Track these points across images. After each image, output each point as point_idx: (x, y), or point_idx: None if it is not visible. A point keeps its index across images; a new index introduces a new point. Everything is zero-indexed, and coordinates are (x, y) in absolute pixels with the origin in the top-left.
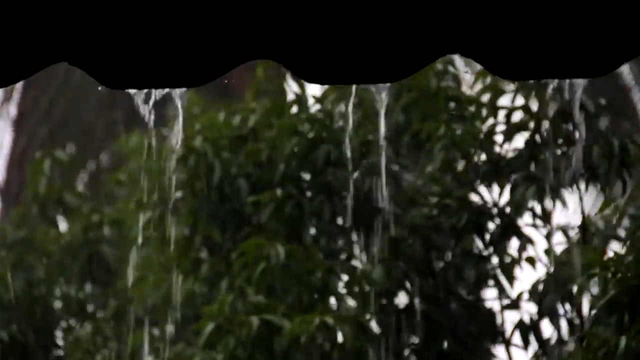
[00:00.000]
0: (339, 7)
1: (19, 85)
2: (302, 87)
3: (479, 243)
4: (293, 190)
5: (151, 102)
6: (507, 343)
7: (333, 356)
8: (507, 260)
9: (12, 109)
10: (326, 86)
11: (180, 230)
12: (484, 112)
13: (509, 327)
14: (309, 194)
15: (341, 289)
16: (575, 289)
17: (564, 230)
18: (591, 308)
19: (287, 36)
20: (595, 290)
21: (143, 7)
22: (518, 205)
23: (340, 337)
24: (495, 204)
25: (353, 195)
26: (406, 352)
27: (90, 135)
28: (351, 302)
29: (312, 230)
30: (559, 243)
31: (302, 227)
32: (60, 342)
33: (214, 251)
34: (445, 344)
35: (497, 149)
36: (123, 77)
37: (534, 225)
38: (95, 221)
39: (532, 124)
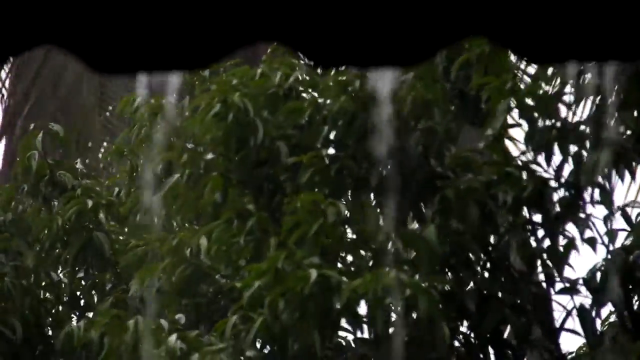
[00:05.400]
0: None
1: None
2: None
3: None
4: (338, 153)
5: None
6: (560, 329)
7: (408, 320)
8: (565, 239)
9: None
10: None
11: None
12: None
13: (562, 312)
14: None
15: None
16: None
17: (626, 209)
18: None
19: (294, 16)
20: None
21: None
22: (588, 173)
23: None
24: (558, 174)
25: (405, 160)
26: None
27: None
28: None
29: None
30: (621, 226)
31: (344, 192)
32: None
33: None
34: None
35: (563, 113)
36: (113, 60)
37: (595, 202)
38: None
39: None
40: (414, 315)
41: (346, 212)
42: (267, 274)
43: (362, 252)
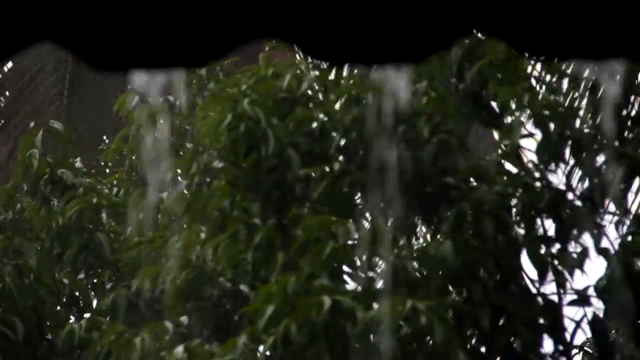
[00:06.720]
0: None
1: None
2: None
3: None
4: (349, 165)
5: None
6: (569, 342)
7: (423, 348)
8: (578, 249)
9: None
10: None
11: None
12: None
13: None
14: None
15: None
16: None
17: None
18: None
19: (296, 12)
20: None
21: None
22: (604, 188)
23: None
24: (572, 185)
25: (417, 172)
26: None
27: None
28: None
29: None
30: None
31: (354, 205)
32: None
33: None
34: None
35: (578, 124)
36: (112, 58)
37: (607, 213)
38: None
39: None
40: (430, 339)
41: (355, 231)
42: (276, 296)
43: (372, 274)
